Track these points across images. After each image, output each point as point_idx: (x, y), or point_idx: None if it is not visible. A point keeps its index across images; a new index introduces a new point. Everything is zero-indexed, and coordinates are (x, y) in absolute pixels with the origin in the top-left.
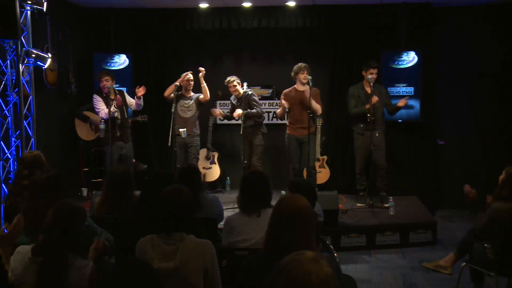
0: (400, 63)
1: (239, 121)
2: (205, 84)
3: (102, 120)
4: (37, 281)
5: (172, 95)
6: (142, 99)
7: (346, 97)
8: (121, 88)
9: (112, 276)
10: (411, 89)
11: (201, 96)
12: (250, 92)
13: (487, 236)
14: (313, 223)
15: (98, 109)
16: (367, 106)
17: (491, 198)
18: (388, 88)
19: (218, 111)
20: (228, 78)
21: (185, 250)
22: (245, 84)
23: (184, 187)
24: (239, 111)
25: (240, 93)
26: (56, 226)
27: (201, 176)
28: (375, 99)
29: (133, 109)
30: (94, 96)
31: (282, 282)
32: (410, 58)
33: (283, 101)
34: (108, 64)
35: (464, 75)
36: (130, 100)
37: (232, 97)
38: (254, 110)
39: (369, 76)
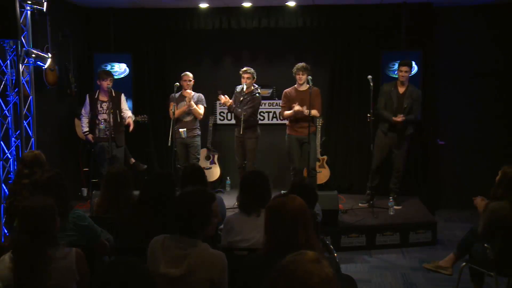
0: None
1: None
2: (194, 106)
3: (102, 120)
4: (15, 279)
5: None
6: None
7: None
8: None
9: (101, 275)
10: None
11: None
12: (257, 94)
13: (489, 238)
14: (307, 221)
15: (82, 116)
16: (395, 119)
17: (480, 199)
18: None
19: (224, 98)
20: (246, 68)
21: (194, 259)
22: (245, 86)
23: (207, 189)
24: (225, 97)
25: (245, 86)
26: (26, 229)
27: (205, 176)
28: (399, 118)
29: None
30: (86, 99)
31: (283, 282)
32: None
33: (299, 107)
34: None
35: (464, 75)
36: (125, 106)
37: (240, 87)
38: (239, 110)
39: (400, 74)
